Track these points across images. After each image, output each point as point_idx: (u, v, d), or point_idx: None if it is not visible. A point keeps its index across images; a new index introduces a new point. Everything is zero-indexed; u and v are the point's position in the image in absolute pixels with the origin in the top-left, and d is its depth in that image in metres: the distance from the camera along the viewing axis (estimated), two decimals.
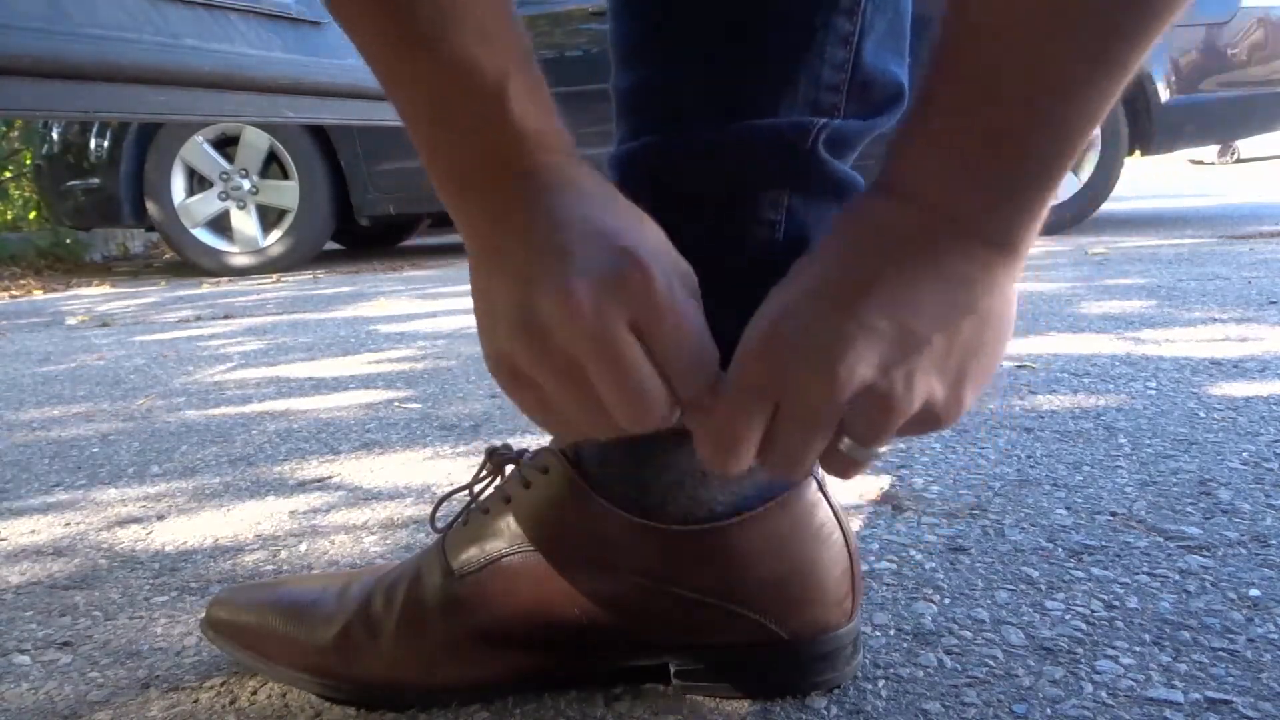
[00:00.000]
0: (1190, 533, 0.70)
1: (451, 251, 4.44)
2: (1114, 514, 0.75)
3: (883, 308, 0.36)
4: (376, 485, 0.95)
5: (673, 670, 0.51)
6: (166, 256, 5.01)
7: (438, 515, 0.55)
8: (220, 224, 3.77)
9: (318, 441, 1.14)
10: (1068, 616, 0.58)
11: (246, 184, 3.66)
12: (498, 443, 0.55)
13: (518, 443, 1.05)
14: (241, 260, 3.76)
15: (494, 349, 0.39)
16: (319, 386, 1.48)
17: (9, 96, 0.70)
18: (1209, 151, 13.60)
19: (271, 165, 3.70)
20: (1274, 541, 0.68)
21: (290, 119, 1.05)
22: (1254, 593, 0.60)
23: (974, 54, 0.35)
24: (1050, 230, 3.35)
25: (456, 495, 0.55)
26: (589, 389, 0.37)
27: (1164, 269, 2.28)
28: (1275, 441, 0.90)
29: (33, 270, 4.39)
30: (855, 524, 0.75)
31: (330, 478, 0.99)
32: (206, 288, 3.39)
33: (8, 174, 6.25)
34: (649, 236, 0.39)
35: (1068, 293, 1.99)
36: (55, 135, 3.79)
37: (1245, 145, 13.35)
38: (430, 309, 2.38)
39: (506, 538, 0.51)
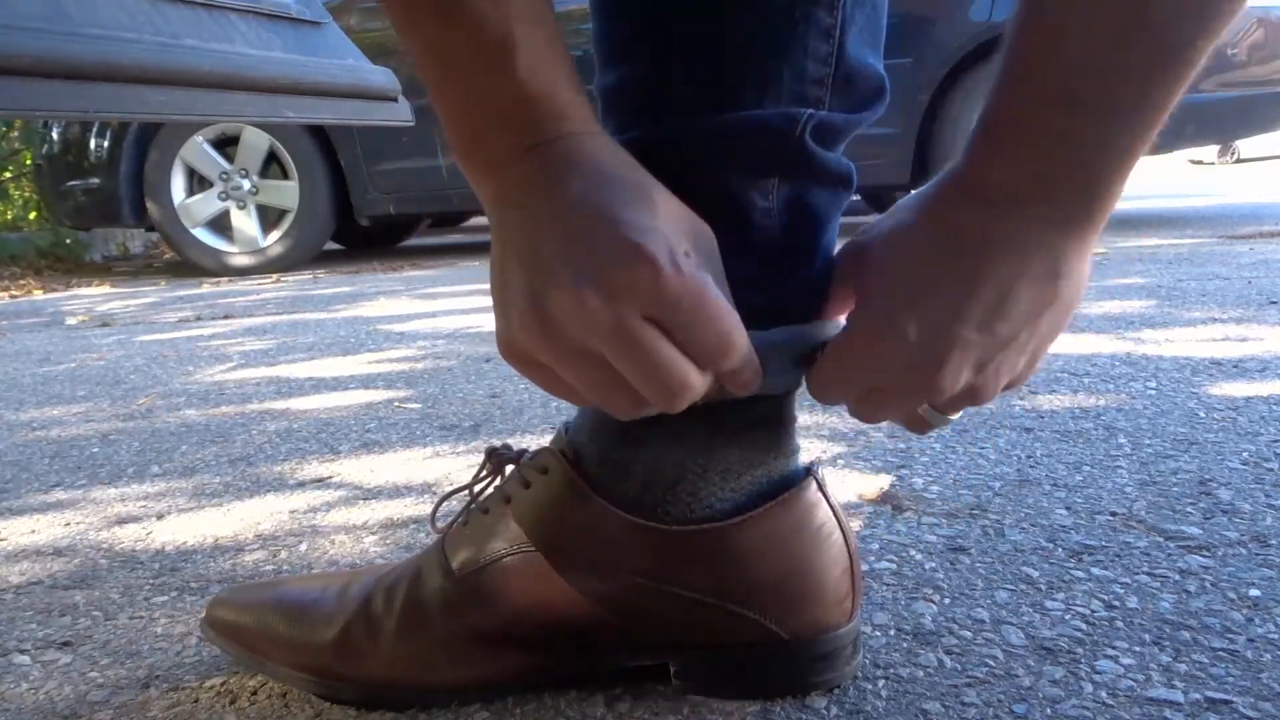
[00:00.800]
0: (1190, 533, 0.70)
1: (452, 251, 4.44)
2: (1114, 514, 0.75)
3: (981, 321, 0.40)
4: (376, 485, 0.95)
5: (673, 670, 0.51)
6: (166, 256, 5.01)
7: (438, 515, 0.55)
8: (220, 224, 3.77)
9: (318, 441, 1.14)
10: (1068, 616, 0.58)
11: (246, 184, 3.66)
12: (498, 443, 0.55)
13: (518, 443, 1.06)
14: (241, 260, 3.76)
15: (506, 334, 0.39)
16: (319, 386, 1.48)
17: (9, 96, 0.70)
18: (1209, 151, 13.60)
19: (271, 165, 3.70)
20: (1274, 541, 0.68)
21: (290, 119, 1.05)
22: (1254, 593, 0.60)
23: (1056, 54, 0.37)
24: None
25: (456, 495, 0.55)
26: (611, 373, 0.37)
27: (1164, 269, 2.28)
28: (1275, 441, 0.90)
29: (33, 270, 4.39)
30: (855, 524, 0.75)
31: (330, 478, 0.99)
32: (206, 288, 3.39)
33: (8, 174, 6.25)
34: (660, 215, 0.38)
35: None
36: (55, 135, 3.79)
37: (1245, 145, 13.35)
38: (430, 309, 2.38)
39: (506, 538, 0.51)
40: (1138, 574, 0.64)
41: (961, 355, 0.40)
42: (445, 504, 0.55)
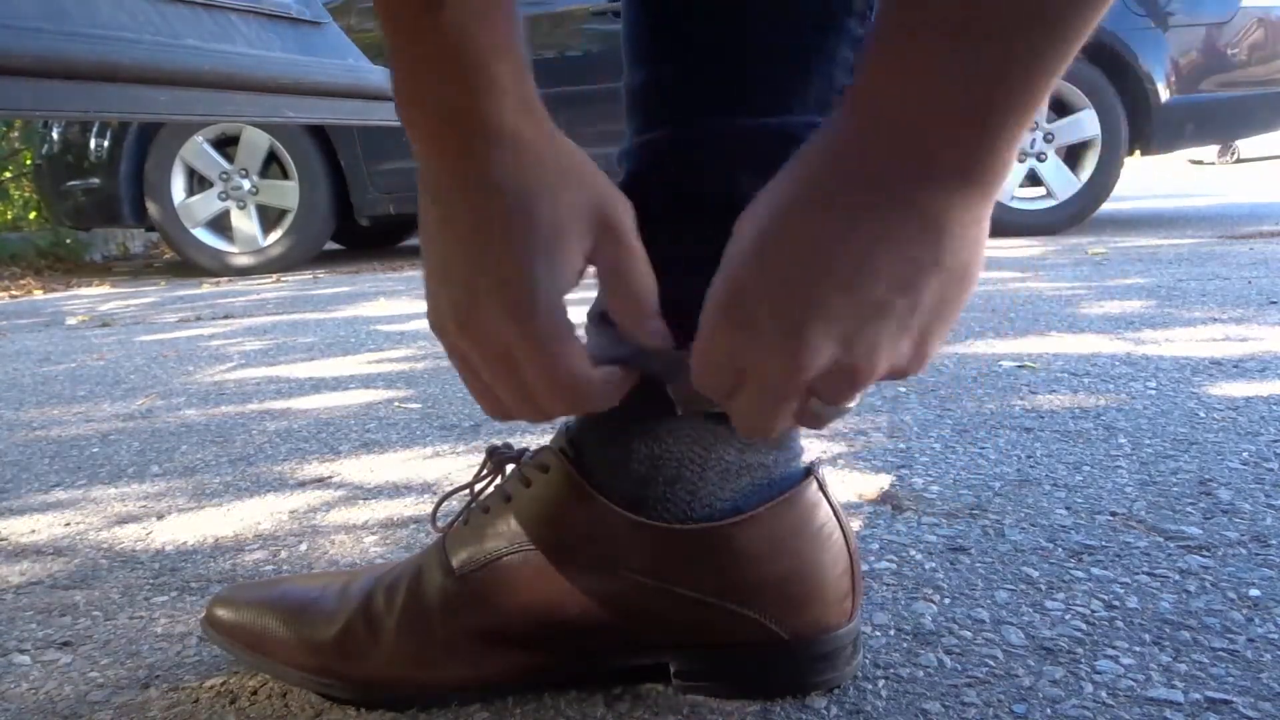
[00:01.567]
0: (1190, 533, 0.70)
1: None
2: (1114, 514, 0.75)
3: (842, 284, 0.35)
4: (376, 485, 0.95)
5: (673, 670, 0.51)
6: (166, 256, 5.01)
7: (438, 515, 0.55)
8: (220, 224, 3.77)
9: (318, 441, 1.14)
10: (1068, 616, 0.58)
11: (246, 184, 3.66)
12: (498, 442, 0.55)
13: (518, 442, 1.06)
14: (242, 260, 3.77)
15: (434, 311, 0.42)
16: (319, 386, 1.48)
17: (9, 96, 0.70)
18: (1209, 151, 13.60)
19: (271, 165, 3.70)
20: (1274, 541, 0.68)
21: (290, 119, 1.05)
22: (1254, 593, 0.60)
23: None
24: (1050, 230, 3.35)
25: (457, 494, 0.55)
26: (478, 380, 0.42)
27: (1164, 269, 2.28)
28: (1275, 441, 0.90)
29: (33, 270, 4.39)
30: (855, 524, 0.75)
31: (330, 478, 0.99)
32: (206, 288, 3.39)
33: (8, 174, 6.25)
34: (554, 222, 0.38)
35: (1068, 293, 1.99)
36: (55, 135, 3.79)
37: (1245, 145, 13.35)
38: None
39: (507, 537, 0.51)
40: (1138, 574, 0.64)
41: (824, 325, 0.35)
42: (446, 503, 0.55)
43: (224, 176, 3.66)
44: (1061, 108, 3.29)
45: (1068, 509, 0.76)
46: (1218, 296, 1.81)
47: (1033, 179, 3.38)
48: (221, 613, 0.57)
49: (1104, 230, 3.47)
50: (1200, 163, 14.05)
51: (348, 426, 1.20)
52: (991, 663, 0.53)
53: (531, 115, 0.38)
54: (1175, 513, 0.74)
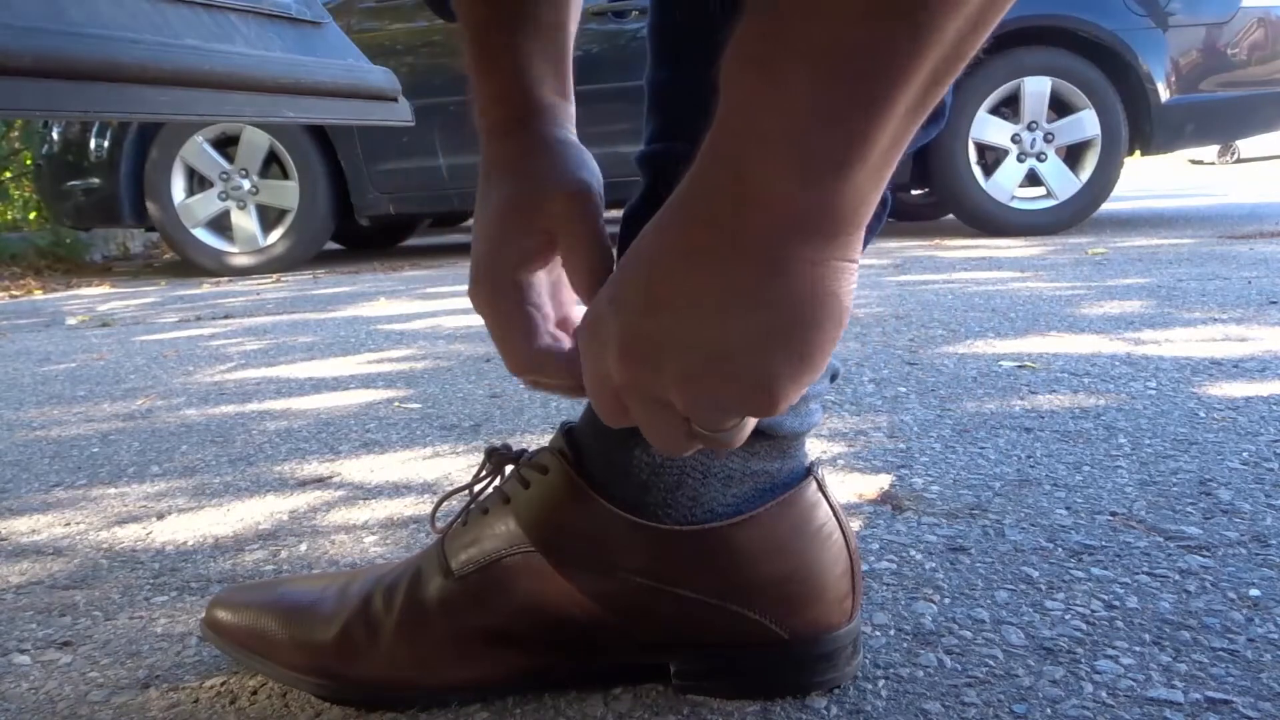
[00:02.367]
0: (1190, 533, 0.70)
1: (452, 251, 4.44)
2: (1114, 514, 0.75)
3: (650, 306, 0.34)
4: (376, 485, 0.95)
5: (673, 670, 0.51)
6: (166, 256, 5.01)
7: (437, 515, 0.55)
8: (220, 224, 3.77)
9: (318, 441, 1.14)
10: (1068, 616, 0.58)
11: (246, 184, 3.67)
12: (497, 443, 0.55)
13: (518, 443, 1.06)
14: (242, 260, 3.77)
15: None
16: (319, 386, 1.48)
17: (9, 96, 0.70)
18: (1209, 151, 13.61)
19: (271, 165, 3.70)
20: (1274, 541, 0.68)
21: (290, 119, 1.04)
22: (1254, 593, 0.60)
23: None
24: (1050, 230, 3.35)
25: (456, 495, 0.55)
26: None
27: (1164, 269, 2.28)
28: (1275, 441, 0.90)
29: (33, 270, 4.39)
30: (855, 524, 0.75)
31: (330, 478, 0.99)
32: (206, 288, 3.39)
33: (8, 174, 6.25)
34: (506, 223, 0.47)
35: (1068, 293, 1.99)
36: (55, 135, 3.79)
37: (1245, 145, 13.36)
38: (430, 309, 2.38)
39: (506, 538, 0.51)
40: (1138, 574, 0.64)
41: (645, 354, 0.34)
42: (445, 504, 0.55)
43: (224, 176, 3.66)
44: (1061, 108, 3.29)
45: (1068, 509, 0.76)
46: (1218, 296, 1.81)
47: (1033, 179, 3.38)
48: (221, 614, 0.57)
49: (1104, 230, 3.47)
50: (1200, 163, 14.05)
51: (348, 426, 1.20)
52: (991, 663, 0.53)
53: (526, 124, 0.48)
54: (1175, 513, 0.74)
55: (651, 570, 0.49)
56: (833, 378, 0.53)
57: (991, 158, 3.35)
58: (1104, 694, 0.50)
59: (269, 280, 3.50)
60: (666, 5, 0.48)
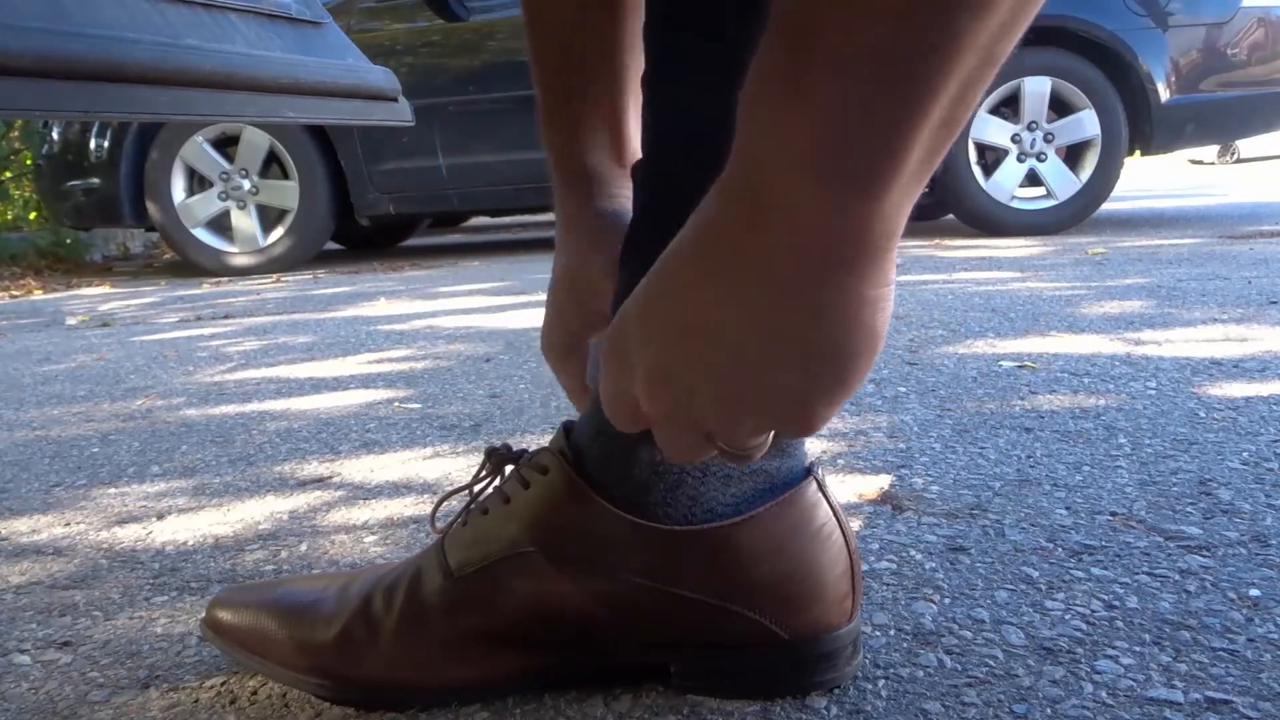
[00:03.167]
0: (1190, 533, 0.70)
1: (452, 251, 4.44)
2: (1114, 514, 0.75)
3: (680, 335, 0.34)
4: (376, 485, 0.95)
5: (673, 670, 0.51)
6: (166, 256, 5.02)
7: (437, 515, 0.55)
8: (220, 224, 3.77)
9: (318, 441, 1.14)
10: (1068, 616, 0.58)
11: (246, 184, 3.67)
12: (497, 443, 0.55)
13: (518, 443, 1.06)
14: (242, 260, 3.77)
15: None
16: (319, 386, 1.48)
17: (9, 96, 0.70)
18: (1209, 151, 13.61)
19: (271, 165, 3.70)
20: (1274, 541, 0.68)
21: (290, 119, 1.04)
22: (1254, 593, 0.60)
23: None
24: (1050, 230, 3.35)
25: (456, 495, 0.55)
26: None
27: (1164, 269, 2.28)
28: (1275, 441, 0.90)
29: (33, 270, 4.39)
30: (855, 524, 0.75)
31: (330, 478, 0.99)
32: (206, 288, 3.39)
33: (8, 174, 6.25)
34: (563, 296, 0.57)
35: (1068, 293, 1.99)
36: (55, 135, 3.79)
37: (1245, 145, 13.36)
38: (430, 309, 2.38)
39: (506, 538, 0.51)
40: (1138, 574, 0.64)
41: (670, 379, 0.35)
42: (445, 504, 0.55)
43: (224, 176, 3.66)
44: (1061, 108, 3.29)
45: (1068, 509, 0.76)
46: (1218, 296, 1.81)
47: (1033, 179, 3.38)
48: (221, 614, 0.57)
49: (1104, 230, 3.47)
50: (1200, 163, 14.05)
51: (348, 426, 1.20)
52: (991, 663, 0.53)
53: (576, 190, 0.56)
54: (1175, 513, 0.74)
55: (651, 570, 0.49)
56: None
57: (991, 158, 3.35)
58: (1104, 694, 0.50)
59: (269, 280, 3.50)
60: (660, 4, 0.48)
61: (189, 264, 3.83)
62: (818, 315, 0.31)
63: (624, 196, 0.55)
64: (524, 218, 6.91)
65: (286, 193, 3.68)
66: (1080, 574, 0.64)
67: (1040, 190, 3.44)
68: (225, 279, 3.68)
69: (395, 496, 0.91)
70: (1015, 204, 3.37)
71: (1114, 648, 0.54)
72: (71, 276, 4.27)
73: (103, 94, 0.78)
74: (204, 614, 0.58)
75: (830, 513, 0.51)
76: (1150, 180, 8.77)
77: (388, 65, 1.29)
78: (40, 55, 0.72)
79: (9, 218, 6.23)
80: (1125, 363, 1.29)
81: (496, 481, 0.54)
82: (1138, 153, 3.43)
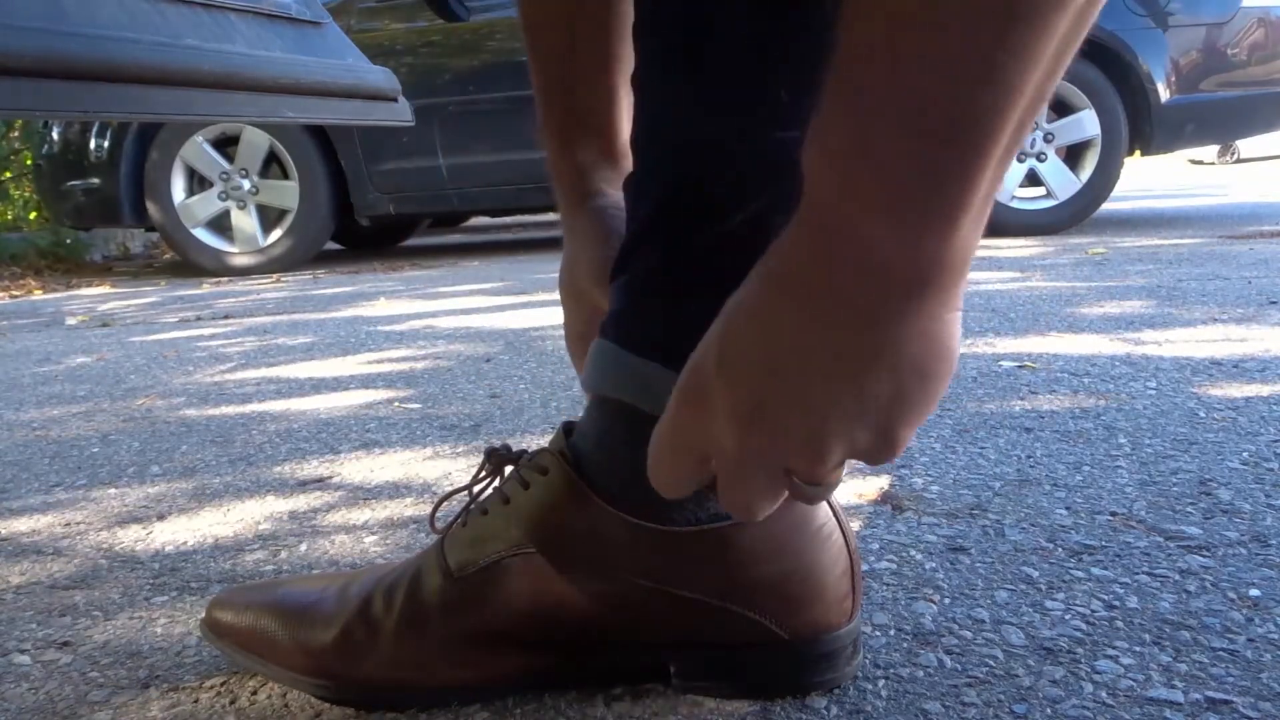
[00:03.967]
0: (1190, 533, 0.70)
1: (452, 251, 4.44)
2: (1114, 514, 0.75)
3: (779, 376, 0.35)
4: (376, 485, 0.95)
5: (673, 670, 0.51)
6: (166, 256, 5.02)
7: (437, 516, 0.55)
8: (220, 224, 3.77)
9: (318, 441, 1.14)
10: (1068, 616, 0.58)
11: (246, 184, 3.67)
12: (497, 443, 0.55)
13: (518, 443, 1.06)
14: (242, 260, 3.77)
15: None
16: (319, 386, 1.48)
17: (9, 96, 0.70)
18: (1209, 151, 13.61)
19: (271, 165, 3.70)
20: (1274, 541, 0.68)
21: (290, 119, 1.04)
22: (1254, 593, 0.60)
23: (880, 26, 0.29)
24: (1050, 230, 3.35)
25: (456, 496, 0.55)
26: None
27: (1164, 269, 2.28)
28: (1275, 441, 0.90)
29: (33, 270, 4.39)
30: (855, 524, 0.75)
31: (330, 478, 0.99)
32: (206, 288, 3.39)
33: (8, 174, 6.25)
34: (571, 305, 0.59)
35: (1068, 293, 1.99)
36: (55, 135, 3.79)
37: (1245, 145, 13.36)
38: (430, 309, 2.38)
39: (505, 539, 0.51)
40: (1138, 574, 0.64)
41: (766, 418, 0.35)
42: (445, 504, 0.55)
43: (224, 176, 3.66)
44: (1061, 108, 3.29)
45: (1068, 509, 0.76)
46: (1218, 296, 1.81)
47: (1033, 179, 3.38)
48: (221, 615, 0.57)
49: (1104, 230, 3.47)
50: (1200, 163, 14.05)
51: (348, 426, 1.20)
52: (991, 663, 0.53)
53: (569, 190, 0.57)
54: (1175, 513, 0.74)
55: (651, 570, 0.49)
56: None
57: None
58: (1104, 694, 0.50)
59: (269, 280, 3.50)
60: (649, 7, 0.48)
61: (189, 264, 3.83)
62: (903, 341, 0.33)
63: (615, 195, 0.55)
64: (524, 218, 6.91)
65: (286, 193, 3.68)
66: (1080, 574, 0.64)
67: (1040, 190, 3.44)
68: (225, 279, 3.68)
69: (395, 496, 0.91)
70: (1015, 204, 3.37)
71: (1114, 648, 0.54)
72: (71, 276, 4.27)
73: (102, 94, 0.78)
74: (204, 614, 0.58)
75: (830, 513, 0.51)
76: (1150, 180, 8.77)
77: (388, 65, 1.29)
78: (40, 55, 0.72)
79: (9, 218, 6.24)
80: (1125, 363, 1.29)
81: (496, 482, 0.54)
82: (1138, 153, 3.43)
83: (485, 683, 0.52)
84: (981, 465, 0.89)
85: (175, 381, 1.60)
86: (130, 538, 0.84)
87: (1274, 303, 1.71)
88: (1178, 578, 0.63)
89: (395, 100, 1.23)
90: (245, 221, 3.72)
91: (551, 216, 6.99)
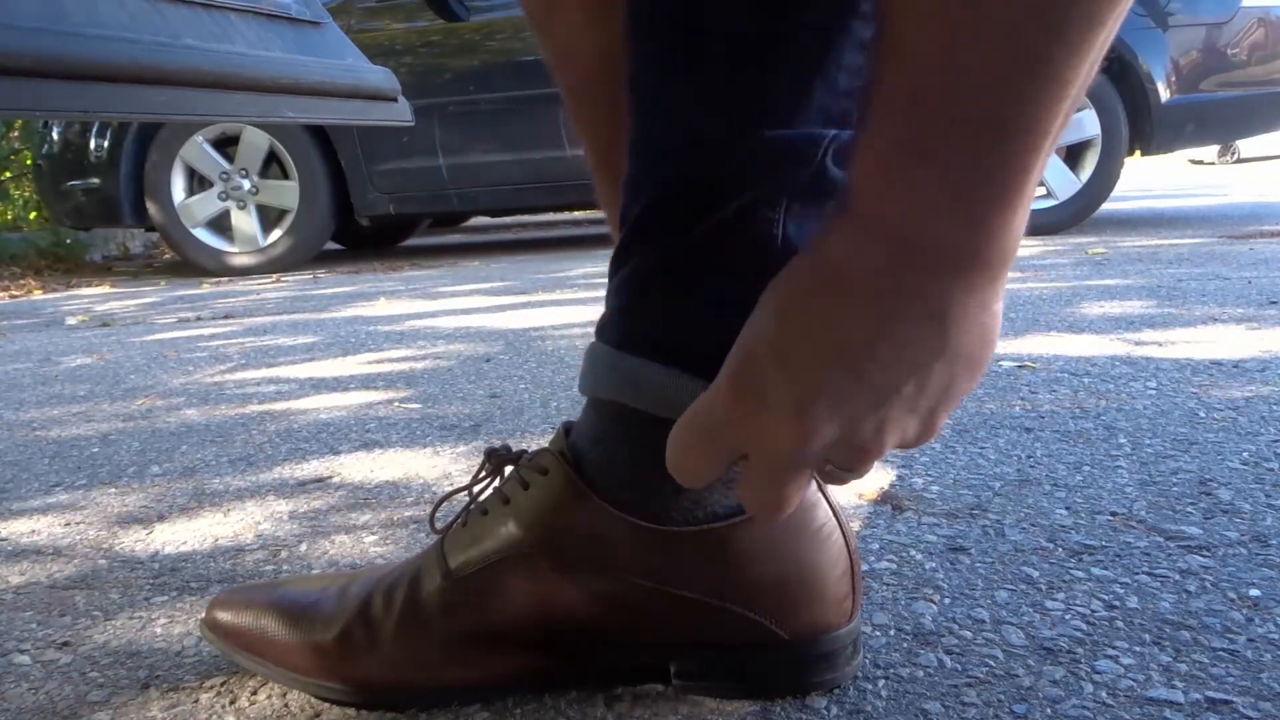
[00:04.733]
0: (1190, 533, 0.70)
1: (452, 251, 4.44)
2: (1114, 514, 0.75)
3: (848, 366, 0.35)
4: (376, 485, 0.95)
5: (673, 670, 0.51)
6: (166, 256, 5.02)
7: (437, 516, 0.55)
8: (220, 224, 3.77)
9: (318, 441, 1.14)
10: (1068, 616, 0.58)
11: (246, 184, 3.67)
12: (497, 443, 0.55)
13: (518, 443, 1.06)
14: (242, 260, 3.77)
15: None
16: (319, 386, 1.48)
17: (9, 96, 0.70)
18: (1209, 151, 13.61)
19: (271, 165, 3.70)
20: (1274, 541, 0.68)
21: (290, 119, 1.05)
22: (1254, 593, 0.60)
23: (933, 32, 0.30)
24: (1050, 230, 3.35)
25: (456, 496, 0.55)
26: None
27: (1164, 269, 2.28)
28: (1275, 441, 0.90)
29: (33, 270, 4.39)
30: (855, 524, 0.75)
31: (330, 478, 0.99)
32: (206, 288, 3.39)
33: (8, 174, 6.25)
34: None
35: (1068, 293, 1.99)
36: (55, 135, 3.79)
37: (1245, 145, 13.36)
38: (430, 309, 2.38)
39: (505, 539, 0.51)
40: (1138, 574, 0.64)
41: (829, 407, 0.36)
42: (445, 504, 0.55)
43: (224, 176, 3.66)
44: None
45: (1068, 509, 0.76)
46: (1218, 296, 1.81)
47: None
48: (221, 615, 0.57)
49: (1104, 230, 3.47)
50: (1200, 162, 14.05)
51: (348, 426, 1.20)
52: (991, 663, 0.53)
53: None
54: (1175, 513, 0.74)
55: (651, 571, 0.49)
56: None
57: None
58: (1104, 694, 0.50)
59: (269, 280, 3.50)
60: (641, 6, 0.48)
61: (189, 264, 3.83)
62: (963, 330, 0.35)
63: None
64: (524, 218, 6.92)
65: (286, 193, 3.68)
66: (1080, 574, 0.64)
67: (1040, 190, 3.43)
68: (225, 279, 3.68)
69: (395, 496, 0.91)
70: None
71: (1114, 648, 0.54)
72: (71, 276, 4.27)
73: (103, 94, 0.78)
74: (204, 614, 0.58)
75: (830, 513, 0.51)
76: (1150, 180, 8.77)
77: (388, 65, 1.29)
78: (40, 55, 0.72)
79: (9, 218, 6.23)
80: (1125, 363, 1.29)
81: (496, 482, 0.54)
82: (1138, 153, 3.43)
83: (485, 683, 0.52)
84: (981, 465, 0.89)
85: (175, 381, 1.60)
86: (130, 538, 0.84)
87: (1274, 303, 1.71)
88: (1178, 578, 0.63)
89: (395, 100, 1.23)
90: (245, 221, 3.72)
91: (552, 216, 6.99)
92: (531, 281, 2.87)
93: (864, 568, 0.66)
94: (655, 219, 0.48)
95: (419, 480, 0.96)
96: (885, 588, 0.64)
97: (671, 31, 0.46)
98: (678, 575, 0.49)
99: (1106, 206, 4.15)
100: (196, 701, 0.54)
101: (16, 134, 5.90)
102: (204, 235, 3.75)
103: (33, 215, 6.06)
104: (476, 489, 0.54)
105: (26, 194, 6.27)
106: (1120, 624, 0.57)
